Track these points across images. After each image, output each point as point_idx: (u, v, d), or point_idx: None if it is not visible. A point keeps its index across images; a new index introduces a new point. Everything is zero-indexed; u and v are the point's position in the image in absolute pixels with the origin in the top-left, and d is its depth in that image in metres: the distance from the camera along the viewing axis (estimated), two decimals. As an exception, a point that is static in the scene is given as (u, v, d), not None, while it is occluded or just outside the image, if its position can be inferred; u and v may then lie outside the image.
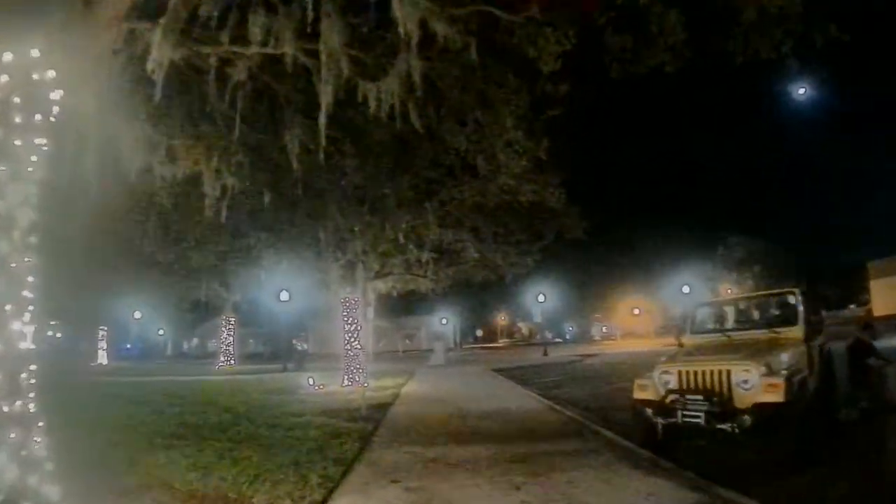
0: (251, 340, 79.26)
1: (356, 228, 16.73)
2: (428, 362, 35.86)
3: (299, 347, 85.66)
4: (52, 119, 5.30)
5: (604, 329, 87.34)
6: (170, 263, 26.01)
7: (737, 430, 7.01)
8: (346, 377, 18.58)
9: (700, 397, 7.57)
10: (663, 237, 61.46)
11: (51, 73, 5.25)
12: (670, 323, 68.57)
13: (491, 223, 19.51)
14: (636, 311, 73.25)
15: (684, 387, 7.86)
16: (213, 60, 8.01)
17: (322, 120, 8.63)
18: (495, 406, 13.08)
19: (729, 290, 57.95)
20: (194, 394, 17.36)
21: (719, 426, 7.18)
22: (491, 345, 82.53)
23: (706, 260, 65.09)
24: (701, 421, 7.42)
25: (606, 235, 22.27)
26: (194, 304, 46.44)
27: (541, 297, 50.29)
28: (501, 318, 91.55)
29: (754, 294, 10.57)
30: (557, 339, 75.39)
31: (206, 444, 8.95)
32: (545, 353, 38.85)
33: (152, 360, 65.89)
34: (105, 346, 45.80)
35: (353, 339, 18.67)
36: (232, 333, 39.72)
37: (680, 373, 8.02)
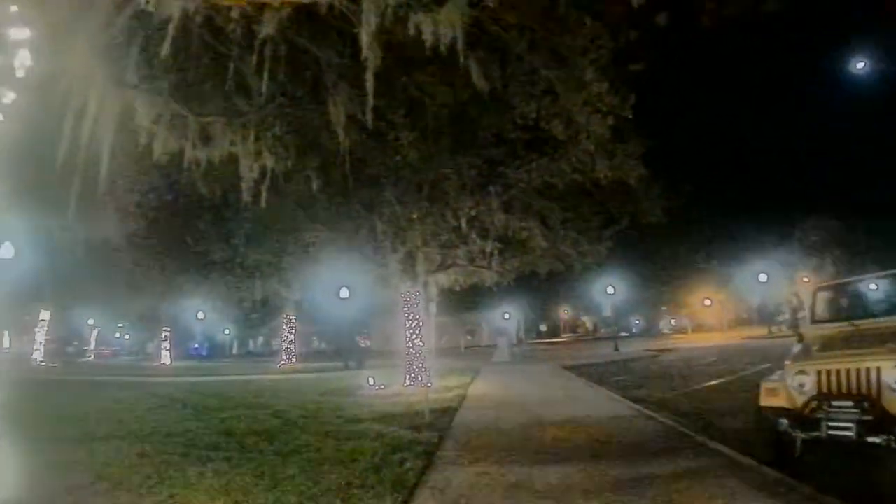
0: (314, 338, 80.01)
1: (414, 216, 15.34)
2: (492, 359, 34.42)
3: (362, 345, 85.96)
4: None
5: (673, 322, 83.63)
6: (225, 262, 25.54)
7: (893, 444, 5.43)
8: (407, 376, 17.33)
9: (849, 403, 5.88)
10: (737, 219, 56.95)
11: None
12: (751, 313, 64.67)
13: (560, 208, 17.85)
14: (707, 303, 69.21)
15: (826, 391, 6.16)
16: (234, 14, 6.81)
17: (369, 80, 7.28)
18: (576, 411, 11.49)
19: (805, 279, 53.54)
20: (247, 395, 16.46)
21: (871, 439, 5.55)
22: (554, 340, 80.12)
23: (782, 245, 59.82)
24: (852, 433, 5.74)
25: (679, 219, 20.14)
26: (259, 304, 46.67)
27: (610, 289, 47.69)
28: (564, 312, 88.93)
29: (887, 273, 8.48)
30: (623, 334, 72.53)
31: (247, 457, 7.78)
32: (616, 349, 36.74)
33: (218, 359, 67.09)
34: (168, 347, 46.33)
35: (414, 336, 17.39)
36: (293, 332, 39.41)
37: (820, 373, 6.30)
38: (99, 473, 7.26)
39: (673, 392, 14.78)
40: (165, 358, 45.31)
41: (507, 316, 73.00)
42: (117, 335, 78.43)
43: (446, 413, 11.73)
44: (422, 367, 17.12)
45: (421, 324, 17.39)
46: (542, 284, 47.55)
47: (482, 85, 8.16)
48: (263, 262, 24.99)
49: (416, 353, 17.32)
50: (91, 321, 55.77)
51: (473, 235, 17.15)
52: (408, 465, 7.03)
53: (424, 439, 8.71)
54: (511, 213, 16.96)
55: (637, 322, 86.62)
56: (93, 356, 55.78)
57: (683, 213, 20.18)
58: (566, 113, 10.93)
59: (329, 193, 15.60)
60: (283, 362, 37.34)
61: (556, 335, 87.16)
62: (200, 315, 51.68)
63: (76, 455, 8.15)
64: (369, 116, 7.57)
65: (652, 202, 18.01)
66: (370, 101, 7.18)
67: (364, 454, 7.73)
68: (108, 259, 34.66)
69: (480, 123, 13.92)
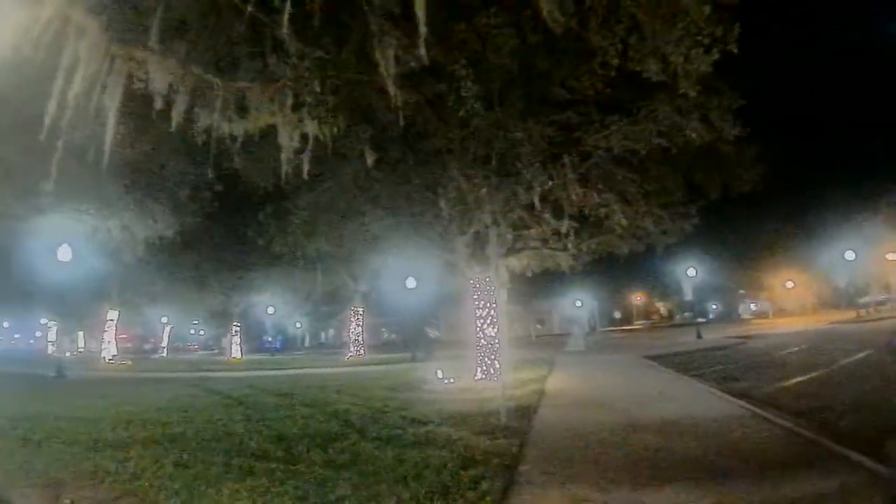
0: (383, 329, 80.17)
1: (482, 192, 13.84)
2: (565, 348, 32.75)
3: (431, 335, 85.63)
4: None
5: (753, 306, 78.76)
6: (286, 254, 24.93)
7: None
8: (479, 369, 15.96)
9: None
10: (823, 192, 51.41)
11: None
12: (836, 295, 59.17)
13: (641, 180, 16.02)
14: (789, 285, 64.30)
15: None
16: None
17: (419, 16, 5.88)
18: (674, 410, 9.83)
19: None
20: (308, 391, 15.50)
21: None
22: (627, 327, 76.97)
23: (871, 221, 52.69)
24: None
25: (765, 191, 17.74)
26: (327, 297, 46.65)
27: (691, 271, 43.99)
28: (637, 298, 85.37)
29: None
30: (701, 320, 68.78)
31: (294, 470, 6.61)
32: (699, 336, 34.18)
33: (290, 351, 67.96)
34: (238, 341, 46.80)
35: (485, 326, 15.98)
36: (360, 323, 38.92)
37: None
38: (126, 487, 6.29)
39: (775, 385, 12.91)
40: (236, 352, 45.77)
41: (578, 303, 70.49)
42: (192, 331, 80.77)
43: (524, 413, 10.31)
44: (494, 358, 15.73)
45: (492, 312, 15.95)
46: (616, 268, 45.05)
47: (554, 22, 6.62)
48: (323, 252, 24.17)
49: (487, 343, 15.92)
50: (165, 319, 57.15)
51: (547, 215, 15.57)
52: (483, 486, 5.65)
53: (502, 448, 7.31)
54: (588, 186, 15.26)
55: (715, 307, 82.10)
56: (165, 352, 57.25)
57: (769, 183, 17.83)
58: (658, 51, 9.14)
59: (386, 171, 14.40)
60: (350, 354, 36.95)
61: (629, 322, 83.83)
62: (271, 310, 52.08)
63: (110, 463, 7.23)
64: (423, 52, 6.17)
65: (747, 168, 15.89)
66: (422, 34, 5.79)
67: (429, 467, 6.42)
68: (173, 257, 35.17)
69: (553, 78, 12.29)
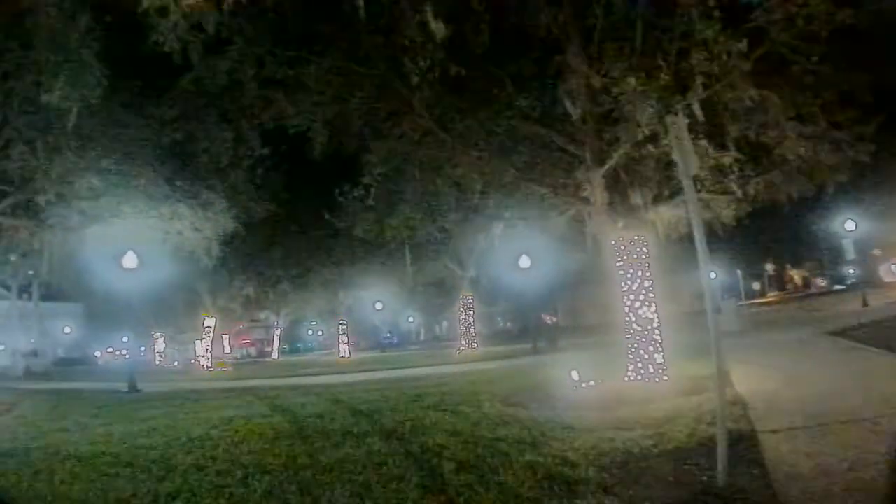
0: (498, 318, 75.69)
1: (621, 90, 9.13)
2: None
3: (548, 321, 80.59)
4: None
5: (894, 268, 67.15)
6: (371, 241, 21.79)
7: None
8: (630, 366, 11.32)
9: None
10: None
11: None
12: None
13: (818, 84, 10.71)
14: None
15: None
16: None
17: None
18: None
19: None
20: (400, 404, 11.58)
21: None
22: (763, 300, 66.74)
23: None
24: None
25: None
26: (436, 287, 43.65)
27: (850, 225, 35.18)
28: (772, 267, 74.83)
29: None
30: (839, 287, 58.28)
31: None
32: (865, 304, 27.15)
33: (405, 346, 65.75)
34: (346, 340, 44.43)
35: (638, 305, 11.15)
36: (471, 313, 34.96)
37: None
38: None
39: None
40: (344, 351, 43.46)
41: (713, 274, 62.22)
42: (309, 332, 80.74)
43: (744, 451, 5.76)
44: (653, 350, 11.01)
45: (646, 285, 11.17)
46: (761, 227, 38.07)
47: None
48: (419, 235, 20.28)
49: (642, 329, 11.13)
50: (277, 321, 56.54)
51: (704, 142, 10.67)
52: None
53: None
54: (763, 85, 10.22)
55: (852, 271, 70.88)
56: (276, 355, 56.65)
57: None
58: None
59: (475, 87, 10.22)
60: (462, 348, 33.04)
61: (763, 294, 73.60)
62: (379, 305, 49.51)
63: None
64: None
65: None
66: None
67: None
68: (254, 256, 33.49)
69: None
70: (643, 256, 11.18)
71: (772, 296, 70.80)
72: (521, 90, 11.36)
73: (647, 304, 11.07)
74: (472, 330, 34.15)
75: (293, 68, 11.51)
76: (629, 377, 11.18)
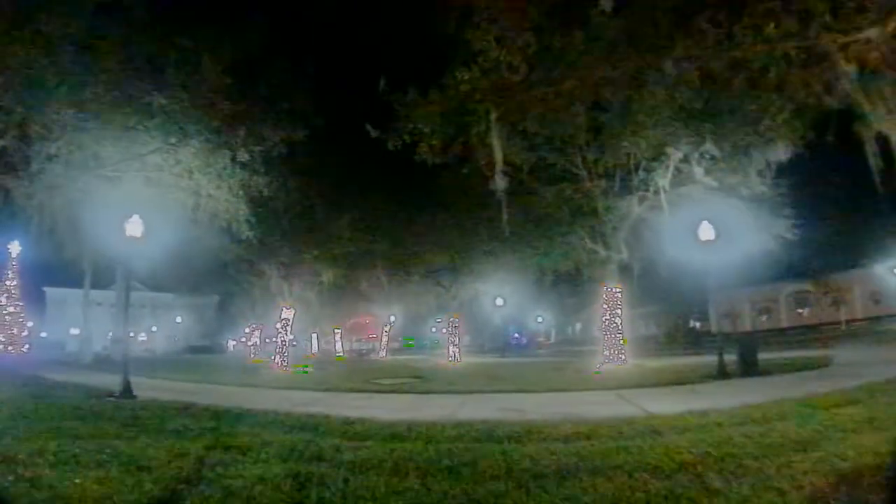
0: (639, 320, 64.70)
1: None
2: None
3: (694, 327, 68.02)
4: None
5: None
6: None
7: None
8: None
9: None
10: None
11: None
12: None
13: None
14: None
15: None
16: None
17: None
18: None
19: None
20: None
21: None
22: None
23: None
24: None
25: None
26: (569, 283, 36.18)
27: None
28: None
29: None
30: None
31: None
32: None
33: (532, 351, 57.87)
34: (456, 341, 37.18)
35: None
36: (618, 311, 25.52)
37: None
38: None
39: None
40: (453, 355, 36.30)
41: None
42: (433, 329, 75.42)
43: None
44: None
45: None
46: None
47: None
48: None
49: None
50: (392, 318, 51.37)
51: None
52: None
53: None
54: None
55: None
56: (385, 354, 51.49)
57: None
58: None
59: None
60: (605, 360, 23.76)
61: None
62: (499, 301, 41.75)
63: None
64: None
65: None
66: None
67: None
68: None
69: None
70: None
71: None
72: None
73: None
74: (618, 335, 24.77)
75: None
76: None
